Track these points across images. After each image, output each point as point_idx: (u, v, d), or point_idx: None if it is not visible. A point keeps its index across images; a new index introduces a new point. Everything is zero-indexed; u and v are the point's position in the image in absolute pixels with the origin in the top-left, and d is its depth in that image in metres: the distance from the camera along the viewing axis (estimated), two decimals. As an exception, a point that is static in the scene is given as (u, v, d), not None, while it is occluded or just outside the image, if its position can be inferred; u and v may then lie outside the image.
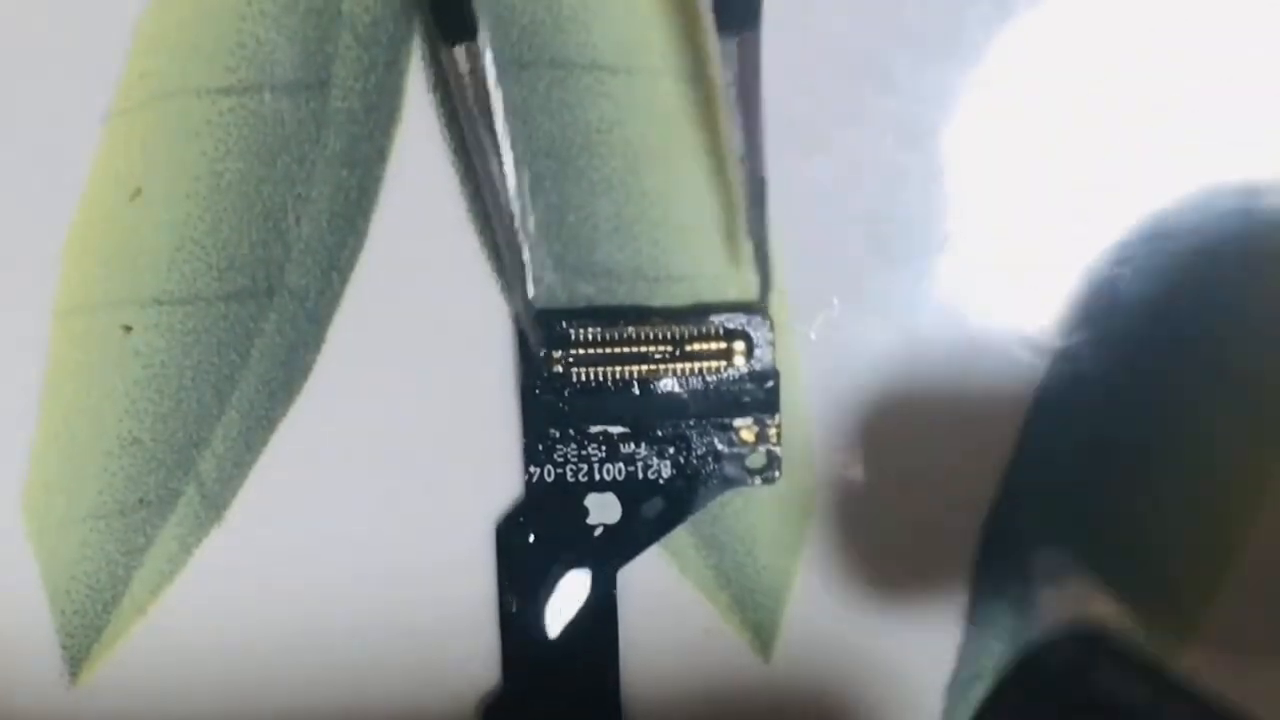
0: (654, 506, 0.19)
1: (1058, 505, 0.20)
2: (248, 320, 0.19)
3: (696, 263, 0.19)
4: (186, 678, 0.20)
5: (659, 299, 0.19)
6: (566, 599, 0.19)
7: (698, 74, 0.19)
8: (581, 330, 0.19)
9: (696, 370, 0.19)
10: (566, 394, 0.19)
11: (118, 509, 0.19)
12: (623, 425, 0.19)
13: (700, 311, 0.19)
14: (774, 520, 0.20)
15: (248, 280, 0.19)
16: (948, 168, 0.19)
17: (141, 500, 0.19)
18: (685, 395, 0.19)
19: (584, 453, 0.19)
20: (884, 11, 0.19)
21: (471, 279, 0.19)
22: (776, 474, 0.19)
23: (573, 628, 0.19)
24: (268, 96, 0.19)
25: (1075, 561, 0.20)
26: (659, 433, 0.19)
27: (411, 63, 0.19)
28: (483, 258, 0.19)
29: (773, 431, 0.19)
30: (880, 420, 0.20)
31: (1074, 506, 0.20)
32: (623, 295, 0.19)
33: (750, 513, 0.20)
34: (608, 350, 0.19)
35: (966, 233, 0.19)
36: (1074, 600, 0.20)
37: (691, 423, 0.19)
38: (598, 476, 0.19)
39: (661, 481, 0.19)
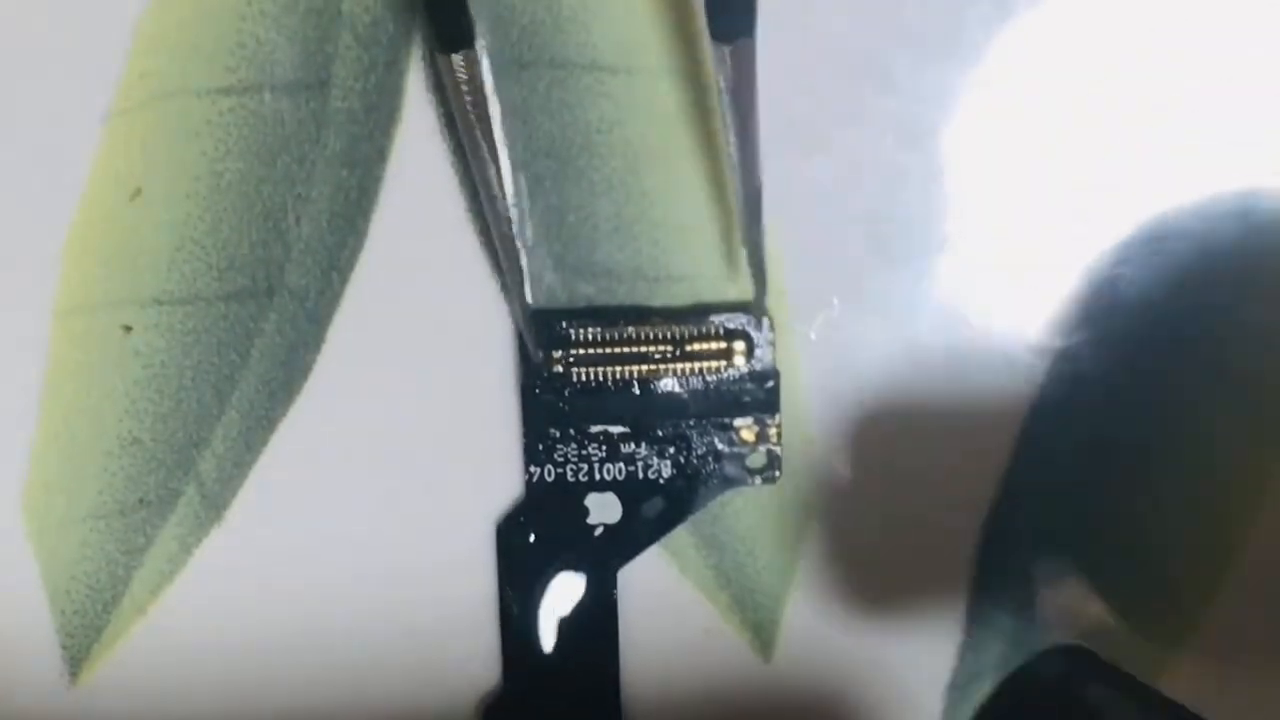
0: (654, 506, 0.19)
1: (1058, 506, 0.20)
2: (248, 320, 0.19)
3: (696, 263, 0.19)
4: (186, 678, 0.20)
5: (659, 299, 0.19)
6: (567, 599, 0.19)
7: (697, 74, 0.19)
8: (582, 330, 0.19)
9: (697, 370, 0.19)
10: (567, 394, 0.19)
11: (118, 509, 0.19)
12: (623, 425, 0.19)
13: (700, 311, 0.19)
14: (774, 520, 0.20)
15: (248, 280, 0.19)
16: (948, 168, 0.19)
17: (141, 500, 0.19)
18: (685, 395, 0.19)
19: (584, 452, 0.19)
20: (884, 11, 0.19)
21: (471, 279, 0.19)
22: (777, 474, 0.19)
23: (573, 628, 0.19)
24: (268, 96, 0.19)
25: (1075, 562, 0.20)
26: (659, 432, 0.19)
27: (411, 62, 0.19)
28: (483, 258, 0.19)
29: (773, 431, 0.19)
30: (880, 420, 0.20)
31: (1074, 507, 0.20)
32: (623, 295, 0.19)
33: (751, 512, 0.20)
34: (608, 350, 0.19)
35: (966, 233, 0.19)
36: (1073, 601, 0.20)
37: (692, 422, 0.19)
38: (598, 476, 0.19)
39: (662, 481, 0.19)
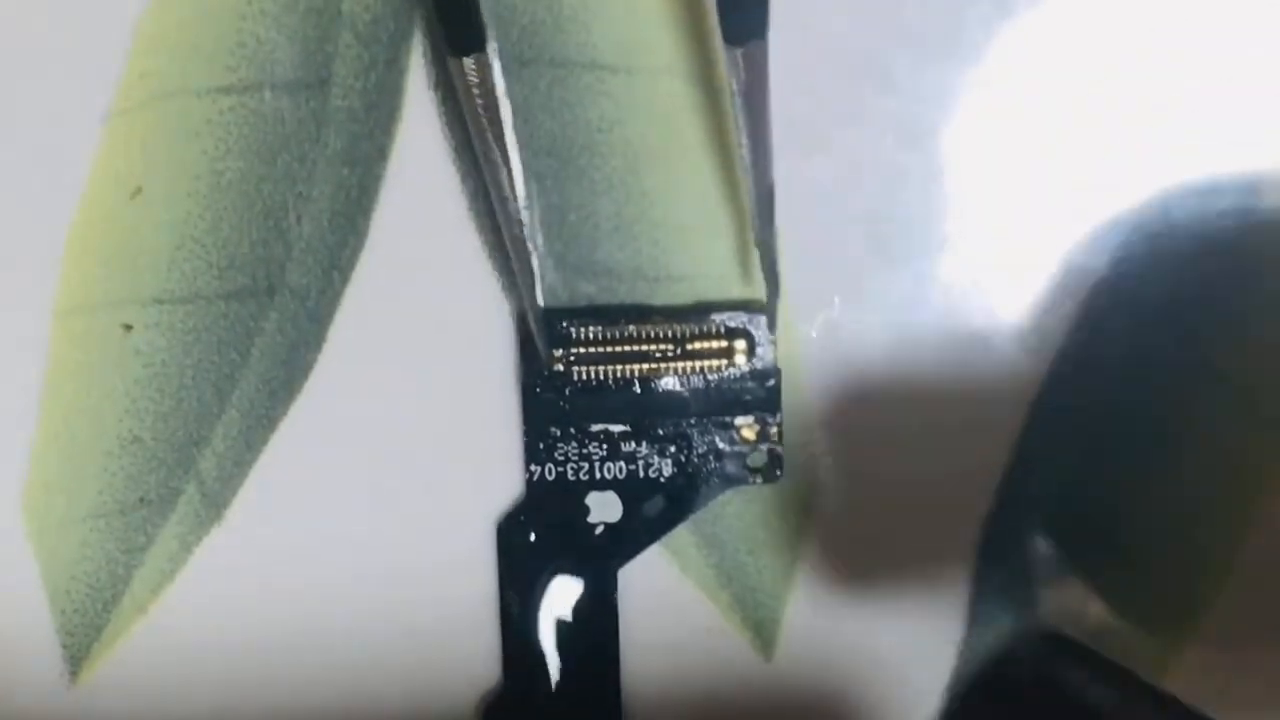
0: (655, 505, 0.19)
1: (1057, 505, 0.20)
2: (248, 319, 0.19)
3: (697, 262, 0.19)
4: (187, 677, 0.20)
5: (660, 298, 0.19)
6: (567, 598, 0.19)
7: (703, 75, 0.19)
8: (582, 329, 0.19)
9: (698, 369, 0.19)
10: (567, 392, 0.19)
11: (118, 508, 0.19)
12: (624, 424, 0.19)
13: (701, 310, 0.19)
14: (776, 519, 0.20)
15: (248, 279, 0.19)
16: (948, 168, 0.19)
17: (142, 499, 0.19)
18: (686, 394, 0.19)
19: (585, 451, 0.19)
20: (884, 11, 0.19)
21: (472, 278, 0.19)
22: (778, 473, 0.19)
23: (573, 627, 0.19)
24: (268, 95, 0.19)
25: (1075, 561, 0.20)
26: (660, 431, 0.19)
27: (412, 61, 0.19)
28: (483, 257, 0.19)
29: (774, 430, 0.19)
30: (880, 419, 0.20)
31: (1074, 506, 0.20)
32: (623, 294, 0.19)
33: (752, 512, 0.20)
34: (609, 349, 0.19)
35: (966, 233, 0.19)
36: (1073, 601, 0.20)
37: (693, 421, 0.19)
38: (599, 475, 0.19)
39: (663, 480, 0.19)
